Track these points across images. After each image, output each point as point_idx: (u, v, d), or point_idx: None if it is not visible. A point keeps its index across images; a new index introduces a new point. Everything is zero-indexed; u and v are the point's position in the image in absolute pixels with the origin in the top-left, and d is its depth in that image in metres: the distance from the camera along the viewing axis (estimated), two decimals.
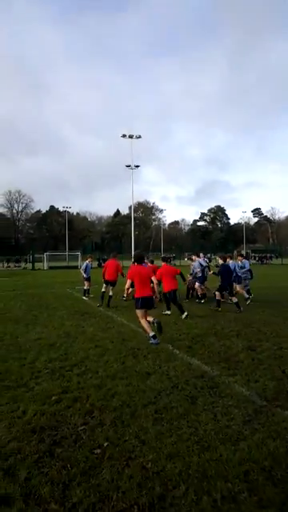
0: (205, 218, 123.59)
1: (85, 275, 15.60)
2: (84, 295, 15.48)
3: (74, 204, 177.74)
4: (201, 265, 13.93)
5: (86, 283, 15.63)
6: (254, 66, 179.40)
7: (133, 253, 45.00)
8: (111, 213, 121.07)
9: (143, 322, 7.75)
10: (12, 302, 14.21)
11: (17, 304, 13.70)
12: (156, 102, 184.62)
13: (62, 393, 4.92)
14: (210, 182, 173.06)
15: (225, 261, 12.18)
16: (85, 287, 15.63)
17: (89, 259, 16.38)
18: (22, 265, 54.14)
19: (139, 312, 7.81)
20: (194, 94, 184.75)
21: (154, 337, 7.47)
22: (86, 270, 15.71)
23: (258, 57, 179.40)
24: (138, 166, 48.93)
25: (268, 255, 72.05)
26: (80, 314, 11.11)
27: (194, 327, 9.07)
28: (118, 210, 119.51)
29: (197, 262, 14.21)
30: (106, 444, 3.64)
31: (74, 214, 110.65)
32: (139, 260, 8.25)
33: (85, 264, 16.19)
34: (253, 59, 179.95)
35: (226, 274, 11.81)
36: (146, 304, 7.84)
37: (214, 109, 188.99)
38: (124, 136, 45.65)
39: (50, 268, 46.79)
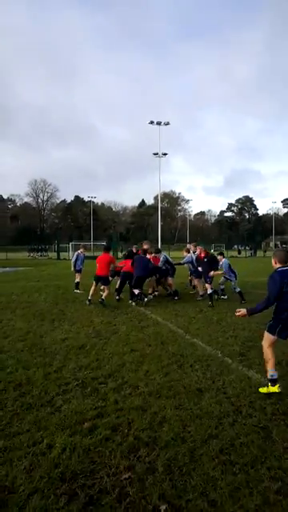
0: (232, 208, 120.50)
1: (76, 267, 14.54)
2: (76, 288, 14.28)
3: (99, 194, 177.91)
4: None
5: (76, 275, 14.54)
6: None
7: (159, 244, 43.99)
8: (136, 203, 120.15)
9: None
10: (36, 295, 13.45)
11: (41, 296, 12.92)
12: (185, 88, 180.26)
13: (97, 416, 3.91)
14: (240, 171, 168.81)
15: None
16: (76, 280, 14.52)
17: (81, 249, 15.09)
18: (47, 254, 54.07)
19: None
20: (224, 79, 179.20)
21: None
22: (76, 262, 14.61)
23: None
24: (165, 154, 47.40)
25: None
26: (110, 310, 10.14)
27: (240, 328, 7.90)
28: (142, 200, 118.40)
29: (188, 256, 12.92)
30: (163, 508, 2.60)
31: (99, 204, 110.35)
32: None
33: (75, 255, 15.03)
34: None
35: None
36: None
37: (245, 95, 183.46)
38: (152, 123, 44.14)
39: None
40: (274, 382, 4.50)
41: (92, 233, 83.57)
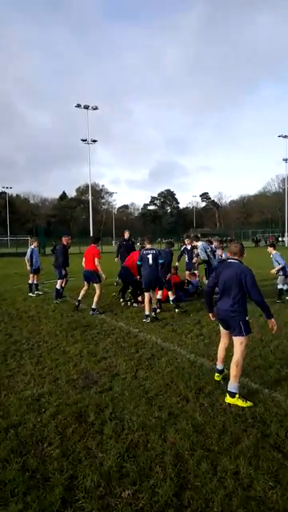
0: (155, 202, 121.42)
1: (31, 265, 12.00)
2: (30, 291, 12.07)
3: (16, 185, 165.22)
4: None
5: (31, 276, 12.08)
6: (222, 46, 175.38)
7: (90, 236, 40.95)
8: (57, 195, 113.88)
9: None
10: None
11: None
12: (113, 75, 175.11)
13: None
14: (166, 165, 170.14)
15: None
16: (29, 281, 12.14)
17: (34, 244, 12.47)
18: None
19: None
20: (155, 69, 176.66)
21: None
22: (31, 259, 12.03)
23: (227, 36, 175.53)
24: (95, 141, 44.35)
25: (228, 238, 71.90)
26: (81, 330, 7.60)
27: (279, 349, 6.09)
28: (64, 193, 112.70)
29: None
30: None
31: (14, 195, 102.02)
32: None
33: (29, 250, 12.27)
34: (221, 38, 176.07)
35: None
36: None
37: (175, 86, 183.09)
38: (79, 106, 40.75)
39: None
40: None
41: (8, 227, 76.45)
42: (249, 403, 4.05)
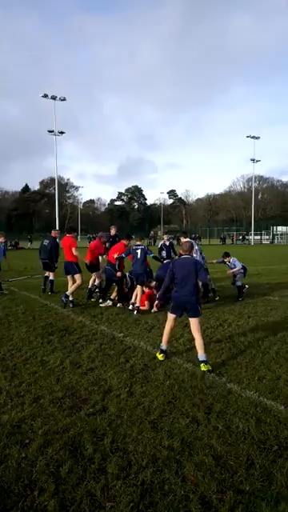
0: (122, 197, 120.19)
1: None
2: None
3: None
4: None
5: None
6: (194, 44, 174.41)
7: (55, 230, 39.41)
8: (18, 188, 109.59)
9: None
10: None
11: None
12: (84, 66, 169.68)
13: None
14: (135, 160, 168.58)
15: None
16: None
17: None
18: None
19: None
20: (127, 63, 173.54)
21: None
22: None
23: (200, 35, 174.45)
24: (62, 133, 42.66)
25: (196, 235, 72.47)
26: (59, 335, 6.85)
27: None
28: (26, 185, 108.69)
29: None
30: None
31: None
32: None
33: None
34: (194, 36, 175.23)
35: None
36: None
37: (146, 81, 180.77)
38: (45, 96, 38.99)
39: None
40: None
41: None
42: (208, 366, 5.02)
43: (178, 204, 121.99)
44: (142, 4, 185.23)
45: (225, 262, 9.99)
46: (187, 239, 10.25)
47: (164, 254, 11.41)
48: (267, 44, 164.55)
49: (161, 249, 11.75)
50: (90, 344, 6.31)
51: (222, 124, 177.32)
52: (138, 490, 2.72)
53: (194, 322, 5.30)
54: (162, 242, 12.13)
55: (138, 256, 8.70)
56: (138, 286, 8.70)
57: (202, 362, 5.06)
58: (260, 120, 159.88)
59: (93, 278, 10.39)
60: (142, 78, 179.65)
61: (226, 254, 9.92)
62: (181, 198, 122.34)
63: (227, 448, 3.22)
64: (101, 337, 6.74)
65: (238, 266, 9.76)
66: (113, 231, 11.16)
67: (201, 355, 5.13)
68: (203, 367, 4.98)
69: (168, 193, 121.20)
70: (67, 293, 9.12)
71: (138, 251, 8.74)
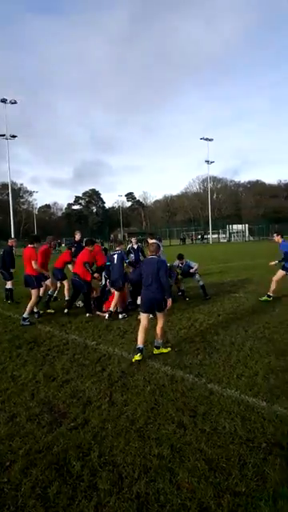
0: (80, 201, 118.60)
1: None
2: None
3: None
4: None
5: None
6: (147, 48, 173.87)
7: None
8: None
9: None
10: None
11: None
12: (34, 66, 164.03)
13: None
14: (92, 164, 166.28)
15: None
16: None
17: None
18: None
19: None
20: (81, 64, 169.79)
21: None
22: None
23: (152, 39, 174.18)
24: (14, 136, 41.22)
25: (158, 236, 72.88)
26: (27, 348, 6.57)
27: None
28: None
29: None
30: None
31: None
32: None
33: None
34: (147, 40, 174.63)
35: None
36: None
37: (102, 83, 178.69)
38: None
39: None
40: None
41: None
42: (168, 349, 5.89)
43: (137, 206, 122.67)
44: (92, 5, 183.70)
45: (180, 267, 10.05)
46: (154, 240, 10.30)
47: (132, 257, 11.32)
48: (217, 47, 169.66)
49: (129, 252, 11.68)
50: (62, 355, 6.09)
51: (177, 126, 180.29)
52: (134, 504, 2.63)
53: (160, 316, 5.87)
54: (130, 246, 12.14)
55: (115, 261, 8.64)
56: (116, 292, 8.53)
57: (156, 346, 5.84)
58: (213, 122, 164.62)
59: (66, 287, 10.07)
60: (94, 80, 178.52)
61: (180, 257, 9.99)
62: (139, 200, 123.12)
63: (217, 450, 3.21)
64: (73, 346, 6.53)
65: (194, 265, 9.94)
66: (77, 236, 10.94)
67: (156, 341, 5.85)
68: (155, 350, 5.80)
69: (126, 195, 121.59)
70: (24, 315, 8.31)
71: (115, 256, 8.69)
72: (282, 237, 9.64)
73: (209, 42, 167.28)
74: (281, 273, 9.48)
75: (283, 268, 9.41)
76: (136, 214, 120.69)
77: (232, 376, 4.81)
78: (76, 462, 3.16)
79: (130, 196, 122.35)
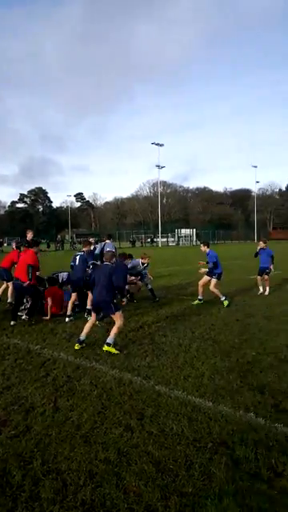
0: (25, 199, 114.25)
1: None
2: None
3: None
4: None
5: None
6: (102, 47, 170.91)
7: None
8: None
9: None
10: None
11: None
12: None
13: None
14: (40, 161, 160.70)
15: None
16: None
17: None
18: None
19: None
20: (32, 58, 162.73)
21: None
22: None
23: (107, 41, 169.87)
24: None
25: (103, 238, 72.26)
26: None
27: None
28: None
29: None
30: None
31: None
32: None
33: None
34: (101, 42, 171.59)
35: None
36: None
37: (50, 82, 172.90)
38: None
39: None
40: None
41: None
42: (117, 351, 5.87)
43: (86, 207, 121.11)
44: (45, 1, 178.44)
45: (146, 266, 10.21)
46: (108, 241, 10.38)
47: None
48: (169, 55, 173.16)
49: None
50: (2, 360, 5.77)
51: (129, 129, 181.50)
52: None
53: (115, 318, 6.15)
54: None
55: (77, 262, 8.49)
56: (73, 294, 8.36)
57: (106, 343, 5.93)
58: (165, 127, 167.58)
59: (10, 288, 9.47)
60: (47, 77, 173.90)
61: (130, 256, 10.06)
62: (89, 201, 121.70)
63: (164, 452, 3.20)
64: (14, 351, 6.21)
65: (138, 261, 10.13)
66: (29, 235, 10.40)
67: (109, 338, 5.97)
68: (104, 347, 5.91)
69: (75, 196, 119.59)
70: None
71: (77, 257, 8.51)
72: (208, 246, 9.98)
73: (164, 48, 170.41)
74: (206, 278, 9.84)
75: (208, 273, 9.75)
76: (85, 215, 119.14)
77: (179, 377, 4.87)
78: (17, 471, 2.98)
79: (79, 196, 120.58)
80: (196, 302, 9.85)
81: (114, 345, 5.99)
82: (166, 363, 5.41)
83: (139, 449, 3.26)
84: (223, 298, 9.57)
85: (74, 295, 8.39)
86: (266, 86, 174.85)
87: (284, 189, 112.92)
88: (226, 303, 9.50)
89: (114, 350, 5.88)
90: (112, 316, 6.19)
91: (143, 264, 10.15)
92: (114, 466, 3.02)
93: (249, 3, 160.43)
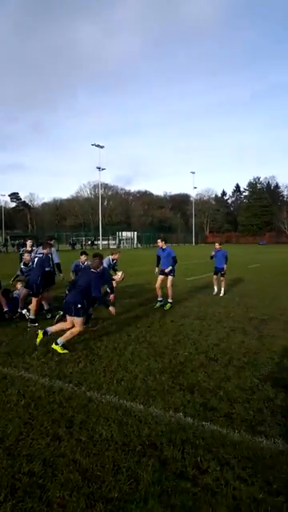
0: None
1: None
2: None
3: None
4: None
5: None
6: (43, 43, 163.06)
7: None
8: None
9: None
10: None
11: None
12: None
13: None
14: None
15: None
16: None
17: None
18: None
19: None
20: None
21: None
22: None
23: (50, 34, 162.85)
24: None
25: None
26: None
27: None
28: None
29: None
30: None
31: None
32: None
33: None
34: (42, 39, 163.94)
35: None
36: None
37: None
38: None
39: None
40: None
41: None
42: (66, 351, 5.93)
43: (22, 208, 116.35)
44: None
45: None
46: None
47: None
48: (113, 58, 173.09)
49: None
50: None
51: (69, 129, 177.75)
52: None
53: (74, 322, 6.19)
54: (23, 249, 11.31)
55: (34, 264, 8.20)
56: (33, 298, 7.97)
57: (55, 342, 5.98)
58: (108, 130, 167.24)
59: None
60: None
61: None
62: (25, 201, 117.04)
63: (92, 459, 3.14)
64: None
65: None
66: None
67: (60, 339, 6.01)
68: (53, 345, 5.97)
69: (10, 195, 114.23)
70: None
71: (36, 259, 8.22)
72: (165, 243, 10.21)
73: (108, 50, 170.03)
74: (160, 278, 10.02)
75: (168, 273, 9.92)
76: (21, 215, 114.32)
77: (112, 381, 4.83)
78: None
79: (14, 196, 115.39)
80: (168, 305, 9.80)
81: (64, 347, 6.00)
82: (99, 368, 5.35)
83: (66, 458, 3.17)
84: (170, 301, 9.75)
85: (34, 299, 7.95)
86: (210, 92, 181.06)
87: (219, 194, 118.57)
88: (168, 306, 9.70)
89: (60, 350, 5.89)
90: (74, 319, 6.14)
91: (113, 260, 10.07)
92: (38, 478, 2.90)
93: (190, 11, 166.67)
